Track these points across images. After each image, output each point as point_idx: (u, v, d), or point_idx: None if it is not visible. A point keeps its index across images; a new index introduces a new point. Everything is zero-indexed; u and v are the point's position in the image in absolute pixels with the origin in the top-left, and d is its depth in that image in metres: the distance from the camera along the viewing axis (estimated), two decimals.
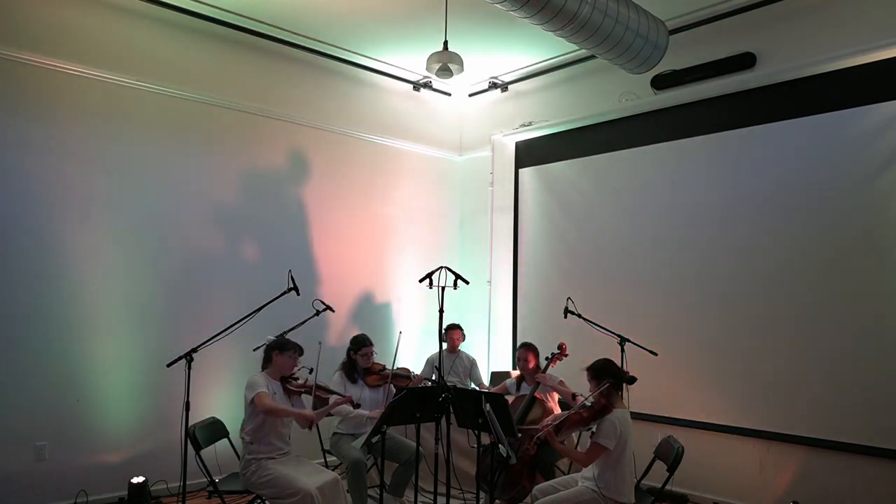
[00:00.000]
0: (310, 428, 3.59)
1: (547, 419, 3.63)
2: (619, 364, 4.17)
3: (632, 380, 3.45)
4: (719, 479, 4.59)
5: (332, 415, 4.26)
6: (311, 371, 3.78)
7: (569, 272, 5.68)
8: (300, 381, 3.75)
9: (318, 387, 3.77)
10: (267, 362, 3.69)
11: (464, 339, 5.53)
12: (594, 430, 3.31)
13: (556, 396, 4.40)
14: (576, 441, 4.58)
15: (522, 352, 4.50)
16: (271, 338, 3.73)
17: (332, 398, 3.87)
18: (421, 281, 3.91)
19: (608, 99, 5.48)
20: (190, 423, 3.51)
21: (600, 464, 3.28)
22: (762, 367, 4.43)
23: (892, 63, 4.01)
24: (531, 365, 4.45)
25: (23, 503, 4.09)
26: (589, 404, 3.39)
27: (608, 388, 3.33)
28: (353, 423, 4.21)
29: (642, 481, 3.75)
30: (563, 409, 4.16)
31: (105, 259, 4.49)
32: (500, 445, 3.25)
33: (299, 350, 3.72)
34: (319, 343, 3.74)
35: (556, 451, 3.60)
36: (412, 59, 5.73)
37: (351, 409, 4.13)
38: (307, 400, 3.81)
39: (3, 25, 4.13)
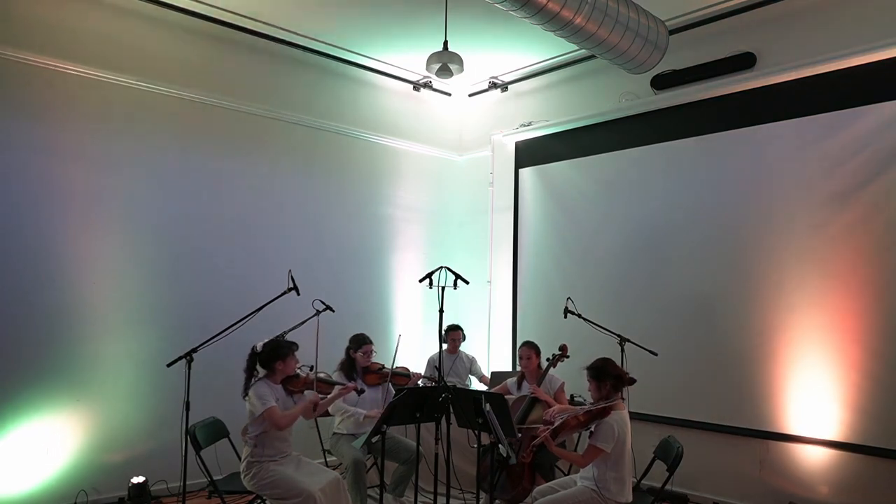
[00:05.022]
0: (314, 409, 3.56)
1: (547, 412, 3.61)
2: (618, 364, 4.18)
3: (631, 382, 3.43)
4: (719, 479, 4.59)
5: (331, 414, 4.28)
6: (311, 368, 3.78)
7: (569, 272, 5.68)
8: (302, 378, 3.74)
9: (320, 381, 3.78)
10: (255, 370, 3.62)
11: (464, 340, 5.54)
12: (592, 429, 3.31)
13: (563, 396, 4.40)
14: (576, 440, 4.58)
15: (524, 350, 4.49)
16: (259, 346, 3.65)
17: (336, 389, 3.87)
18: (421, 281, 3.92)
19: (608, 99, 5.49)
20: (190, 423, 3.51)
21: (599, 464, 3.27)
22: (762, 366, 4.43)
23: (892, 63, 4.01)
24: (533, 364, 4.45)
25: (23, 503, 4.09)
26: (588, 408, 3.37)
27: (607, 391, 3.32)
28: (353, 422, 4.22)
29: (642, 481, 3.75)
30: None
31: (105, 259, 4.49)
32: (500, 445, 3.25)
33: (295, 347, 3.70)
34: (318, 320, 3.71)
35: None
36: (412, 59, 5.73)
37: (348, 408, 4.14)
38: (310, 396, 3.81)
39: (4, 26, 4.13)
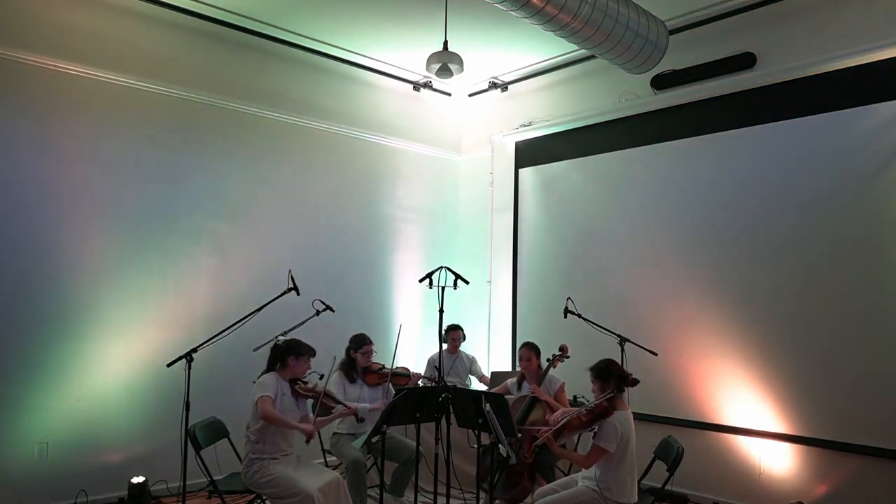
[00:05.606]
0: (308, 441, 3.59)
1: (555, 415, 3.61)
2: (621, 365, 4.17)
3: (634, 382, 3.42)
4: (719, 479, 4.59)
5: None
6: (321, 377, 3.77)
7: (569, 272, 5.68)
8: (309, 385, 3.73)
9: (326, 394, 3.77)
10: (276, 364, 3.66)
11: (464, 340, 5.54)
12: (595, 430, 3.30)
13: (563, 396, 4.40)
14: (576, 441, 4.58)
15: (524, 351, 4.49)
16: (281, 338, 3.71)
17: (338, 408, 3.86)
18: (421, 281, 3.91)
19: (608, 99, 5.49)
20: (190, 423, 3.51)
21: (601, 464, 3.27)
22: (762, 366, 4.43)
23: (892, 63, 4.01)
24: (533, 365, 4.45)
25: (23, 503, 4.09)
26: (590, 407, 3.37)
27: (611, 391, 3.31)
28: (353, 422, 4.22)
29: (642, 481, 3.75)
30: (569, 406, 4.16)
31: (105, 259, 4.49)
32: (500, 445, 3.25)
33: (313, 353, 3.73)
34: (335, 357, 3.76)
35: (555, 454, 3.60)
36: (412, 59, 5.72)
37: (351, 405, 4.14)
38: (312, 404, 3.81)
39: (5, 26, 4.13)
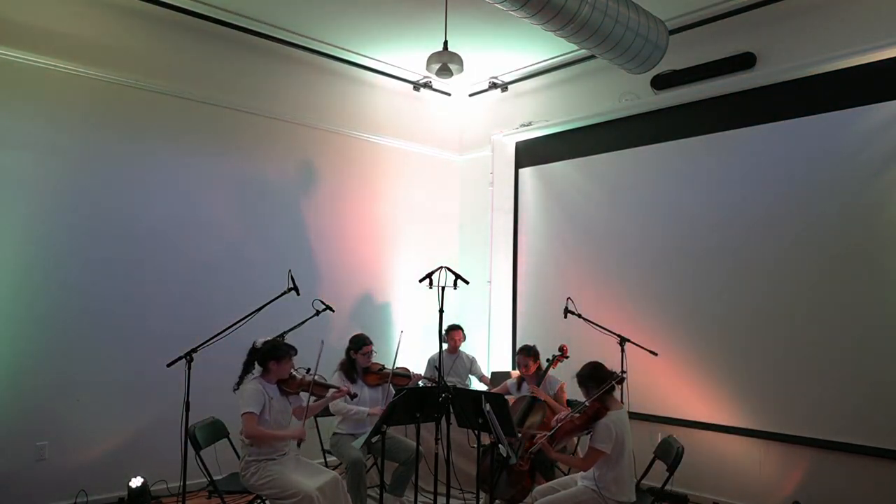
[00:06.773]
0: (299, 445, 3.59)
1: (559, 416, 3.63)
2: (618, 363, 4.19)
3: (620, 381, 3.45)
4: (719, 479, 4.59)
5: (332, 413, 4.29)
6: (308, 371, 3.77)
7: (569, 272, 5.68)
8: (297, 380, 3.73)
9: (316, 384, 3.77)
10: (252, 366, 3.63)
11: (464, 340, 5.54)
12: (591, 432, 3.32)
13: (563, 396, 4.40)
14: (576, 442, 4.58)
15: (522, 357, 4.48)
16: (259, 342, 3.65)
17: (330, 392, 3.86)
18: (421, 281, 3.91)
19: (608, 99, 5.48)
20: (190, 423, 3.51)
21: (600, 464, 3.28)
22: (762, 367, 4.43)
23: (892, 63, 4.01)
24: (531, 371, 4.44)
25: (23, 503, 4.09)
26: (582, 410, 3.39)
27: (598, 393, 3.33)
28: (354, 421, 4.22)
29: (642, 481, 3.75)
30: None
31: (105, 258, 4.49)
32: (500, 445, 3.25)
33: (294, 351, 3.70)
34: (322, 342, 3.73)
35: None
36: (412, 59, 5.72)
37: (350, 406, 4.14)
38: (305, 397, 3.81)
39: None
